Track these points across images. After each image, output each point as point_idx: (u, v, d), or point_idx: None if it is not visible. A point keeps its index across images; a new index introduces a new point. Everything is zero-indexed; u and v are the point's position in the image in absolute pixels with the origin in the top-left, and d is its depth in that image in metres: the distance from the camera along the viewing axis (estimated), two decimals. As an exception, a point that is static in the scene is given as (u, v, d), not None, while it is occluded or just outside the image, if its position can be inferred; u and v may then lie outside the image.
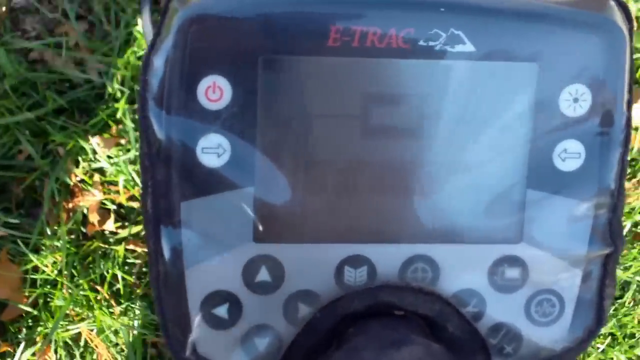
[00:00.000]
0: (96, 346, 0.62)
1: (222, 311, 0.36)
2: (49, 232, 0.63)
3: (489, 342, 0.38)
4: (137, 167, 0.64)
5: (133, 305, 0.62)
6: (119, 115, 0.64)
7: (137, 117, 0.65)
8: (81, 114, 0.65)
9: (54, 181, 0.63)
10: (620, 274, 0.67)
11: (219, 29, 0.34)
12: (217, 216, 0.36)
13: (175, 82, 0.34)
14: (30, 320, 0.63)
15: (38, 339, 0.62)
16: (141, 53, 0.66)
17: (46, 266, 0.62)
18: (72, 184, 0.64)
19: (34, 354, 0.61)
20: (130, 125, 0.64)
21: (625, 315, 0.67)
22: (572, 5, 0.36)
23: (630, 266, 0.67)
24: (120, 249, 0.62)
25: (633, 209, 0.68)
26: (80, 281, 0.62)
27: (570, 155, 0.37)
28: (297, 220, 0.36)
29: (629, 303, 0.68)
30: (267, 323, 0.37)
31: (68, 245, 0.62)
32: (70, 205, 0.64)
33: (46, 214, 0.63)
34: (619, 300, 0.67)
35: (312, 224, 0.37)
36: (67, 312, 0.62)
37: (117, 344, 0.62)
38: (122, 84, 0.65)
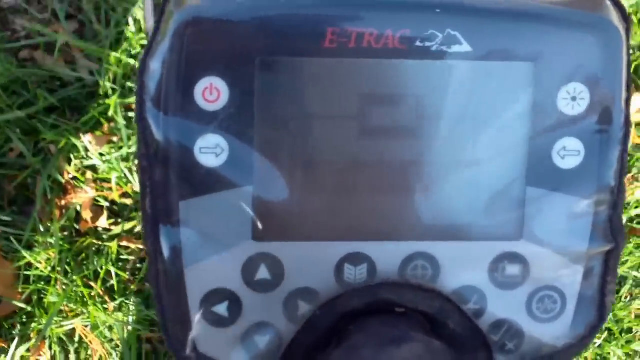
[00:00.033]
0: (91, 342, 0.62)
1: (222, 309, 0.36)
2: (42, 229, 0.62)
3: (490, 339, 0.38)
4: (130, 164, 0.64)
5: (127, 302, 0.62)
6: (110, 113, 0.64)
7: (128, 114, 0.65)
8: (72, 112, 0.65)
9: (46, 179, 0.63)
10: (616, 269, 0.67)
11: (215, 32, 0.34)
12: (216, 215, 0.35)
13: (173, 85, 0.34)
14: (24, 317, 0.62)
15: (32, 335, 0.62)
16: (134, 51, 0.66)
17: (40, 263, 0.62)
18: (64, 181, 0.63)
19: (28, 350, 0.61)
20: (122, 122, 0.63)
21: (621, 310, 0.67)
22: (567, 5, 0.36)
23: (627, 261, 0.67)
24: (114, 245, 0.62)
25: (628, 204, 0.68)
26: (74, 277, 0.61)
27: (569, 153, 0.37)
28: (297, 219, 0.36)
29: (626, 298, 0.68)
30: (267, 321, 0.37)
31: (61, 242, 0.62)
32: (63, 202, 0.64)
33: (39, 211, 0.63)
34: (615, 295, 0.68)
35: (311, 222, 0.37)
36: (61, 308, 0.62)
37: (111, 340, 0.62)
38: (114, 81, 0.65)
